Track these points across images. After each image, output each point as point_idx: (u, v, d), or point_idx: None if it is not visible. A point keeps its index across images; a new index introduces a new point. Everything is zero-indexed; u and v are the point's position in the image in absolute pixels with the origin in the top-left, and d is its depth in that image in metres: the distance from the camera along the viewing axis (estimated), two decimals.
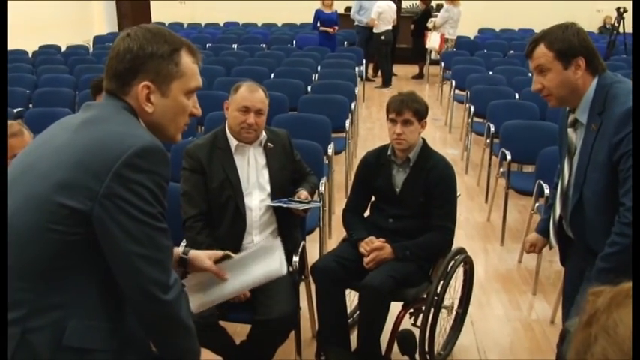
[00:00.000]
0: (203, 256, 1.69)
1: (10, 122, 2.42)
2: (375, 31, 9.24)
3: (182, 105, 1.38)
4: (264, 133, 2.55)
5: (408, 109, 2.52)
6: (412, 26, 10.19)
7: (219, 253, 1.73)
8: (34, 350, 1.21)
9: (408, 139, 2.55)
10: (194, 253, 1.69)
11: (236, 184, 2.46)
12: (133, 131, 1.28)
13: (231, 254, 1.74)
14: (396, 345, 2.51)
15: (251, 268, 1.74)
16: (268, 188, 2.52)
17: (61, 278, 1.24)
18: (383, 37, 9.22)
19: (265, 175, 2.53)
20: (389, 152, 2.65)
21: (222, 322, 2.37)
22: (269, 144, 2.57)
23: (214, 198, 2.45)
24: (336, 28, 9.10)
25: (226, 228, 2.46)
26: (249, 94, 2.46)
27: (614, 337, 0.60)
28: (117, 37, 1.36)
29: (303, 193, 2.56)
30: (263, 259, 1.75)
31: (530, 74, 2.00)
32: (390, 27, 9.28)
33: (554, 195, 2.19)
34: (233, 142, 2.50)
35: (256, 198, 2.50)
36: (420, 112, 2.56)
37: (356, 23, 9.48)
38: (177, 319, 1.32)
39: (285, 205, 2.45)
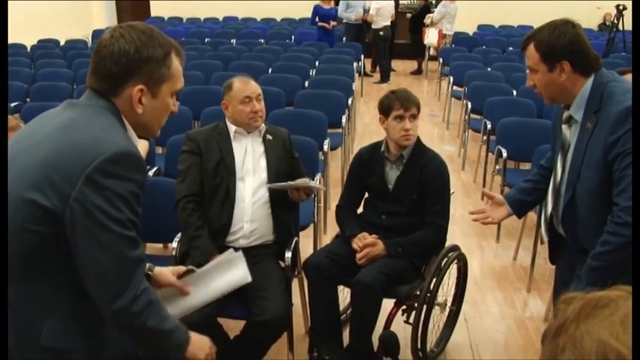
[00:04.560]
0: (167, 272, 1.70)
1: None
2: (373, 26, 9.23)
3: (168, 105, 1.40)
4: (263, 125, 2.59)
5: (414, 104, 2.55)
6: (409, 15, 10.14)
7: (182, 268, 1.77)
8: (9, 350, 1.21)
9: (415, 133, 2.57)
10: (158, 270, 1.69)
11: (230, 166, 2.49)
12: (109, 137, 1.26)
13: (195, 269, 1.79)
14: None
15: (216, 279, 1.80)
16: (264, 175, 2.53)
17: (37, 279, 1.24)
18: (381, 33, 9.21)
19: (262, 162, 2.55)
20: (382, 148, 2.65)
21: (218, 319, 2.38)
22: (268, 135, 2.60)
23: (208, 179, 2.48)
24: (335, 23, 9.07)
25: (217, 211, 2.46)
26: (246, 86, 2.54)
27: (580, 351, 0.59)
28: (106, 35, 1.33)
29: (306, 180, 2.55)
30: (228, 270, 1.83)
31: (527, 71, 2.00)
32: (388, 22, 9.28)
33: (537, 173, 2.22)
34: (232, 129, 2.56)
35: (250, 184, 2.51)
36: (420, 106, 2.59)
37: (344, 21, 9.46)
38: (144, 328, 1.31)
39: (292, 183, 2.46)
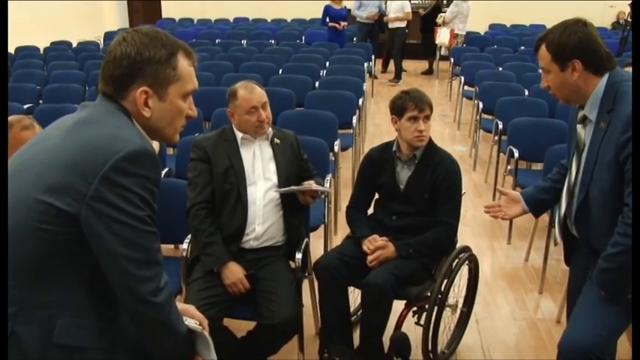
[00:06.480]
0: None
1: (21, 117, 2.46)
2: (397, 25, 9.28)
3: (179, 108, 1.38)
4: (270, 129, 2.58)
5: (427, 105, 2.55)
6: (421, 11, 10.23)
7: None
8: (23, 348, 1.22)
9: (428, 134, 2.56)
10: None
11: (240, 172, 2.49)
12: (123, 135, 1.26)
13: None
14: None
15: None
16: (275, 179, 2.53)
17: (50, 276, 1.24)
18: (408, 30, 9.36)
19: (272, 167, 2.55)
20: (394, 148, 2.64)
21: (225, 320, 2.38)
22: (276, 139, 2.60)
23: (218, 185, 2.48)
24: (345, 23, 9.06)
25: (228, 216, 2.46)
26: (251, 94, 2.51)
27: None
28: (113, 41, 1.35)
29: (311, 183, 2.55)
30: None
31: (540, 70, 1.98)
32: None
33: (557, 172, 2.19)
34: (239, 135, 2.55)
35: (261, 188, 2.51)
36: (432, 107, 2.59)
37: (357, 19, 9.46)
38: (166, 322, 1.32)
39: (296, 188, 2.47)
